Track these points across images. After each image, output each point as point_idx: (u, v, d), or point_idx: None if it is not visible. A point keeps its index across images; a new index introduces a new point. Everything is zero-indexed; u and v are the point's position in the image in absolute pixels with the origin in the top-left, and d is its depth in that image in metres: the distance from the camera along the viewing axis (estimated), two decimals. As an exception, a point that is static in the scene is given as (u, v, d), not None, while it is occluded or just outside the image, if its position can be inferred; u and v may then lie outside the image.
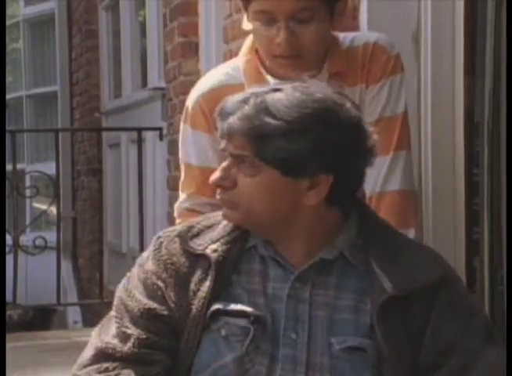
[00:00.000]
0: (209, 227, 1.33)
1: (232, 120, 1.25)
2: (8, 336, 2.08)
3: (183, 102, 3.43)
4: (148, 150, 4.05)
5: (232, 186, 1.27)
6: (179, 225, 1.38)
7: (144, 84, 4.41)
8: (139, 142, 3.86)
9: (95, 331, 1.33)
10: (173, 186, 3.55)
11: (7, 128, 4.13)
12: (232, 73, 1.59)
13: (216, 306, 1.27)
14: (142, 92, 4.33)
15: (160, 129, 3.82)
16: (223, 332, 1.26)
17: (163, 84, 3.73)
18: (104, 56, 5.05)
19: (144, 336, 1.26)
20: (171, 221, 3.59)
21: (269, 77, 1.56)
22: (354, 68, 1.57)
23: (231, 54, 2.72)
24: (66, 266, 5.06)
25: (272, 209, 1.26)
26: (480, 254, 1.89)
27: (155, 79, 4.08)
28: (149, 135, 4.02)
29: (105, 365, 1.26)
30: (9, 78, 6.58)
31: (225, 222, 1.33)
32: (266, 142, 1.23)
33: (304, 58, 1.51)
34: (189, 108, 1.62)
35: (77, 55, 5.30)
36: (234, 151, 1.27)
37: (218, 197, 1.31)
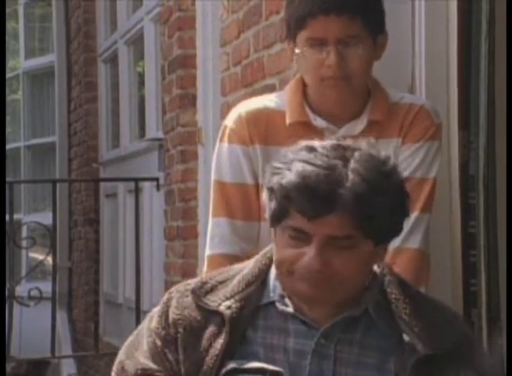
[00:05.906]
0: (222, 283, 1.32)
1: (336, 201, 1.20)
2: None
3: (180, 152, 3.49)
4: (145, 200, 4.06)
5: (333, 274, 1.22)
6: (192, 280, 1.36)
7: (142, 134, 4.43)
8: (136, 192, 3.86)
9: None
10: (170, 237, 3.54)
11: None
12: (277, 100, 1.66)
13: (231, 365, 1.25)
14: (139, 143, 4.35)
15: (157, 180, 3.83)
16: None
17: (160, 135, 3.76)
18: (103, 107, 5.09)
19: None
20: (167, 271, 3.57)
21: (310, 112, 1.61)
22: (393, 122, 1.62)
23: (228, 106, 2.74)
24: (61, 317, 5.00)
25: (362, 280, 1.27)
26: (478, 307, 1.88)
27: (153, 130, 4.11)
28: (146, 186, 4.03)
29: None
30: (7, 129, 6.62)
31: (239, 277, 1.31)
32: (375, 220, 1.22)
33: (351, 82, 1.58)
34: (227, 125, 1.65)
35: (76, 106, 5.35)
36: (341, 233, 1.21)
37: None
